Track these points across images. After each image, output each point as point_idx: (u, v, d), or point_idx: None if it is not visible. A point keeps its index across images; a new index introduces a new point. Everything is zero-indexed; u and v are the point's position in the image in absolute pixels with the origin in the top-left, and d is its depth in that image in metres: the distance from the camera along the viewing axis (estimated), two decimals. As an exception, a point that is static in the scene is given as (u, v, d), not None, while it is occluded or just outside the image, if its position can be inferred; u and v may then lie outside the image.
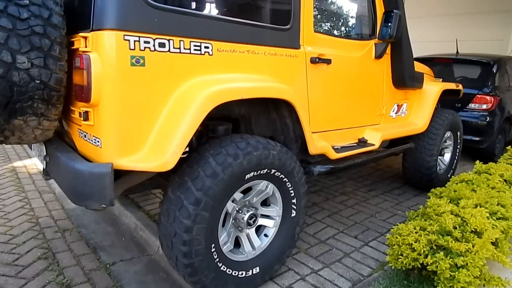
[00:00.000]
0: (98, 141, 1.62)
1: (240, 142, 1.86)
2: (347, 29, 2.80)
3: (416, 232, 2.10)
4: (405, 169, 3.82)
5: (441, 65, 5.51)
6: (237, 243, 2.08)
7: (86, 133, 1.72)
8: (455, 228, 2.10)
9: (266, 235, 2.16)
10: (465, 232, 2.09)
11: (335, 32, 2.67)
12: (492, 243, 2.11)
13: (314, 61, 2.33)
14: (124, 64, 1.55)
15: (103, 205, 1.55)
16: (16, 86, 1.54)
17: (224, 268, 1.88)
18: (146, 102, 1.64)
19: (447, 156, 4.03)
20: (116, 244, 2.65)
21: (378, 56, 2.90)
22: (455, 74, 5.44)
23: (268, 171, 1.95)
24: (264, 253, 2.10)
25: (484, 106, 4.90)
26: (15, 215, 2.98)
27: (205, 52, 1.81)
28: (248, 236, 2.07)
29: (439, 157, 3.82)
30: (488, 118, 4.88)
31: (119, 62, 1.54)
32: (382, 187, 3.96)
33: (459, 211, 2.24)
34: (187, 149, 1.91)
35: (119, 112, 1.58)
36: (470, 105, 4.96)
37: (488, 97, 4.90)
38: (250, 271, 2.01)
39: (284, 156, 2.00)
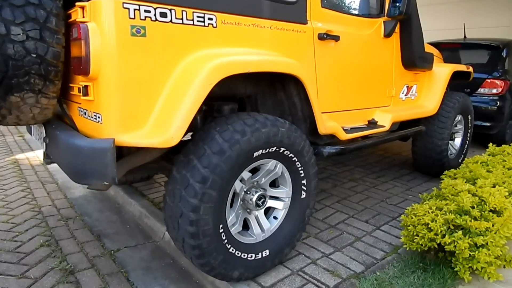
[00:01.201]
0: (98, 117, 1.54)
1: (248, 119, 1.77)
2: (355, 5, 2.69)
3: (432, 212, 2.01)
4: (415, 155, 3.72)
5: (448, 51, 5.36)
6: (246, 226, 2.00)
7: (86, 110, 1.64)
8: (473, 207, 2.01)
9: (275, 218, 2.07)
10: (483, 211, 2.00)
11: (344, 8, 2.57)
12: (512, 223, 2.02)
13: (322, 37, 2.24)
14: (124, 33, 1.47)
15: (105, 183, 1.47)
16: (11, 59, 1.46)
17: (233, 250, 1.80)
18: (148, 74, 1.56)
19: (457, 141, 3.92)
20: (120, 232, 2.59)
21: (387, 34, 2.80)
22: (462, 60, 5.30)
23: (277, 149, 1.86)
24: (273, 236, 2.02)
25: (494, 91, 4.78)
26: (17, 205, 2.92)
27: (208, 24, 1.72)
28: (257, 218, 1.99)
29: (449, 141, 3.71)
30: (498, 103, 4.76)
31: (119, 32, 1.46)
32: (391, 173, 3.87)
33: (476, 190, 2.14)
34: (190, 136, 1.84)
35: (120, 85, 1.49)
36: (479, 90, 4.84)
37: (498, 82, 4.77)
38: (260, 254, 1.93)
39: (293, 134, 1.92)
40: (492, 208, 2.01)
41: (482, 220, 1.91)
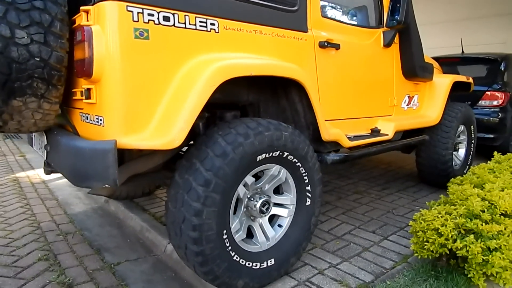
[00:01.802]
0: (100, 120, 1.52)
1: (250, 123, 1.76)
2: (354, 16, 2.74)
3: (441, 217, 1.96)
4: (420, 166, 3.68)
5: (447, 65, 5.40)
6: (250, 235, 1.94)
7: (88, 114, 1.63)
8: (483, 211, 1.95)
9: (280, 226, 2.02)
10: (494, 215, 1.94)
11: (343, 18, 2.61)
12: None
13: (322, 45, 2.26)
14: (127, 36, 1.48)
15: (107, 185, 1.44)
16: (15, 62, 1.46)
17: (237, 258, 1.74)
18: (151, 77, 1.55)
19: (461, 152, 3.89)
20: (121, 246, 2.51)
21: (387, 44, 2.83)
22: (461, 74, 5.33)
23: (281, 153, 1.84)
24: (279, 244, 1.96)
25: (495, 103, 4.79)
26: (15, 220, 2.86)
27: (211, 29, 1.74)
28: (261, 226, 1.94)
29: (454, 152, 3.68)
30: (500, 114, 4.75)
31: (122, 34, 1.47)
32: (396, 186, 3.81)
33: (485, 194, 2.09)
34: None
35: (122, 87, 1.49)
36: (480, 102, 4.85)
37: (498, 94, 4.79)
38: (265, 263, 1.86)
39: (296, 139, 1.90)
40: (503, 212, 1.96)
41: (494, 224, 1.86)
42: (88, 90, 1.54)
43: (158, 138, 1.51)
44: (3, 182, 3.93)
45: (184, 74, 1.62)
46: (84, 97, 1.56)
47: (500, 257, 1.75)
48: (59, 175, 4.27)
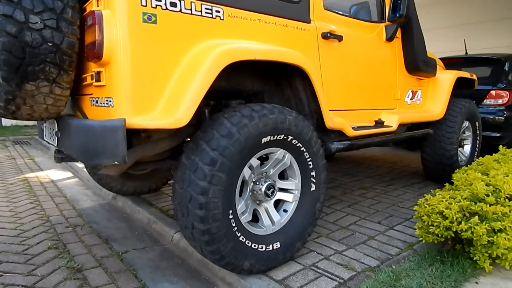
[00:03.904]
0: (110, 101, 1.58)
1: (255, 106, 1.80)
2: (357, 10, 2.80)
3: (446, 201, 1.97)
4: (425, 162, 3.68)
5: (451, 66, 5.41)
6: (256, 220, 1.97)
7: (98, 98, 1.68)
8: (487, 195, 1.96)
9: (285, 211, 2.04)
10: (499, 199, 1.95)
11: (346, 11, 2.67)
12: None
13: (325, 36, 2.31)
14: (136, 20, 1.54)
15: (116, 162, 1.48)
16: (29, 47, 1.52)
17: (243, 238, 1.76)
18: (158, 60, 1.61)
19: (467, 148, 3.89)
20: (128, 236, 2.55)
21: (389, 38, 2.87)
22: (465, 74, 5.35)
23: (285, 137, 1.87)
24: (284, 228, 1.98)
25: (500, 101, 4.79)
26: (25, 215, 2.91)
27: (216, 16, 1.80)
28: (266, 210, 1.96)
29: (459, 149, 3.68)
30: (505, 112, 4.74)
31: (131, 18, 1.53)
32: (401, 182, 3.81)
33: (490, 180, 2.10)
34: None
35: (131, 69, 1.54)
36: (485, 101, 4.86)
37: (503, 92, 4.79)
38: (271, 245, 1.88)
39: (301, 124, 1.93)
40: (508, 195, 1.96)
41: (498, 206, 1.86)
42: (98, 73, 1.59)
43: (166, 118, 1.56)
44: (13, 181, 4.01)
45: (191, 57, 1.67)
46: (94, 80, 1.61)
47: (505, 238, 1.75)
48: (68, 174, 4.37)
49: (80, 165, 4.33)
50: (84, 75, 1.76)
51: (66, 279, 1.91)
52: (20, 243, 2.35)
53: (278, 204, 2.06)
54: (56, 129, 1.93)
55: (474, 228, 1.80)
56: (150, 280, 1.95)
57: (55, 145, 1.99)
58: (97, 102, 1.70)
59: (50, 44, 1.57)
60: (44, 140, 2.32)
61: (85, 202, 3.32)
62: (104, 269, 2.03)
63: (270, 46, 1.94)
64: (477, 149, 3.95)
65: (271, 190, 1.91)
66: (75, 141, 1.65)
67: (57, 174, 4.41)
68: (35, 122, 5.54)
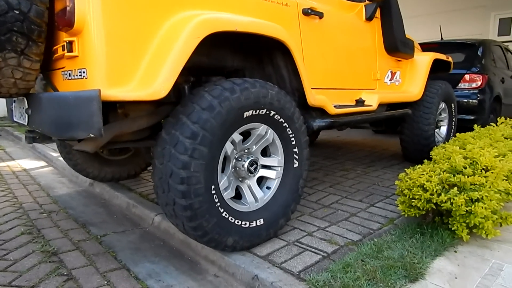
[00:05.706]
0: (83, 72, 1.49)
1: (237, 80, 1.76)
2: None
3: (426, 174, 2.00)
4: (403, 143, 3.75)
5: (427, 51, 5.54)
6: (239, 196, 1.94)
7: (71, 70, 1.59)
8: (465, 168, 2.00)
9: (268, 188, 2.02)
10: (476, 170, 1.99)
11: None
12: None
13: (306, 12, 2.28)
14: (109, -15, 1.46)
15: (91, 134, 1.41)
16: (-7, 14, 1.42)
17: (226, 215, 1.73)
18: (135, 28, 1.53)
19: (443, 129, 3.98)
20: (107, 221, 2.47)
21: (369, 18, 2.87)
22: (441, 59, 5.47)
23: (267, 112, 1.84)
24: (267, 205, 1.96)
25: (474, 85, 4.93)
26: (-4, 202, 2.78)
27: (195, -14, 1.73)
28: (249, 187, 1.94)
29: (436, 130, 3.77)
30: (479, 96, 4.89)
31: (104, -17, 1.44)
32: (381, 164, 3.87)
33: (467, 153, 2.15)
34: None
35: (105, 37, 1.46)
36: (460, 85, 4.99)
37: (477, 76, 4.93)
38: (254, 222, 1.86)
39: (283, 99, 1.91)
40: (484, 167, 2.02)
41: (476, 176, 1.91)
42: (70, 42, 1.50)
43: (144, 89, 1.49)
44: (-18, 170, 3.81)
45: (169, 26, 1.61)
46: (66, 51, 1.52)
47: (482, 207, 1.80)
48: (42, 163, 4.20)
49: (54, 153, 4.17)
50: (55, 47, 1.66)
51: (41, 262, 1.83)
52: (-10, 230, 2.24)
53: (261, 181, 2.03)
54: (27, 107, 1.82)
55: (453, 199, 1.84)
56: (130, 261, 1.90)
57: (26, 123, 1.89)
58: (69, 75, 1.61)
59: (17, 12, 1.47)
60: (14, 121, 2.20)
61: (61, 189, 3.19)
62: (82, 252, 1.96)
63: (251, 18, 1.89)
64: (452, 130, 4.05)
65: (254, 166, 1.89)
66: (47, 115, 1.56)
67: (30, 163, 4.23)
68: (4, 113, 5.27)
